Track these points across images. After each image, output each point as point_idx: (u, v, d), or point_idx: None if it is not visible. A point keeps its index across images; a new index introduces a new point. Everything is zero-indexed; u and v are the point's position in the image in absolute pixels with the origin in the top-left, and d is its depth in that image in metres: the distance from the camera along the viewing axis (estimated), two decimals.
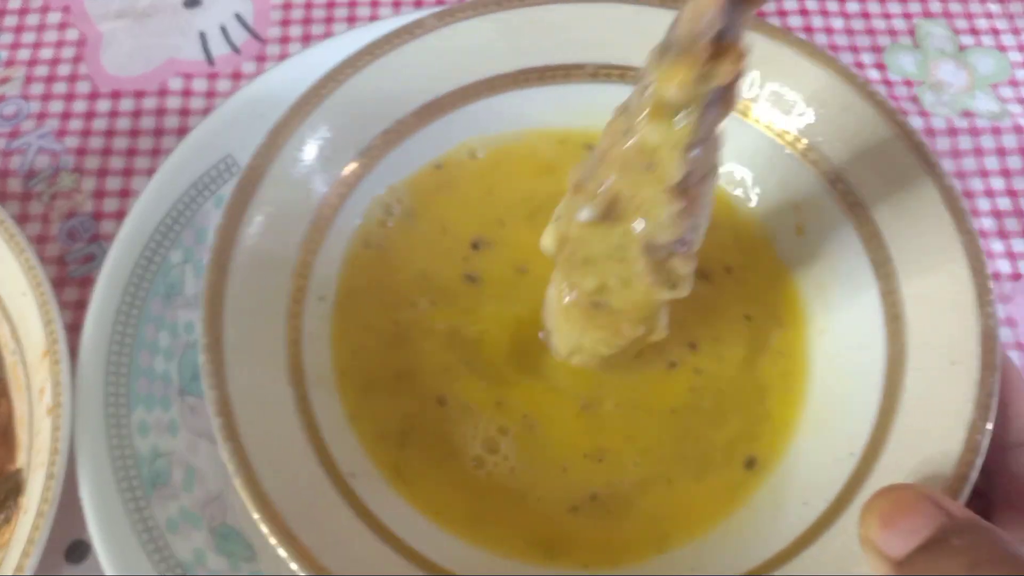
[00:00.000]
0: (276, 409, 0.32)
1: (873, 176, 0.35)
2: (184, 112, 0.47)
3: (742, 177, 0.39)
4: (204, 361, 0.31)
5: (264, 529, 0.28)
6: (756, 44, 0.35)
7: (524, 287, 0.36)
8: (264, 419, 0.31)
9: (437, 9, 0.38)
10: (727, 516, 0.33)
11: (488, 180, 0.39)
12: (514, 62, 0.38)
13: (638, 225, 0.26)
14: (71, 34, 0.50)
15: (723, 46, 0.22)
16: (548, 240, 0.29)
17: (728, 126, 0.33)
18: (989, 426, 0.30)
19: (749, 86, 0.37)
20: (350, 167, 0.37)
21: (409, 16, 0.46)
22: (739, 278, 0.37)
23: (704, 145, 0.25)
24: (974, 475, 0.29)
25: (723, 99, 0.24)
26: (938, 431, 0.30)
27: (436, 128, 0.38)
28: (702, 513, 0.33)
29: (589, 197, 0.27)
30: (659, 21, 0.25)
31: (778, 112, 0.37)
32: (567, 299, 0.30)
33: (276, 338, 0.33)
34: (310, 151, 0.36)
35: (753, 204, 0.38)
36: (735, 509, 0.33)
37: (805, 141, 0.37)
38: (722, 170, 0.36)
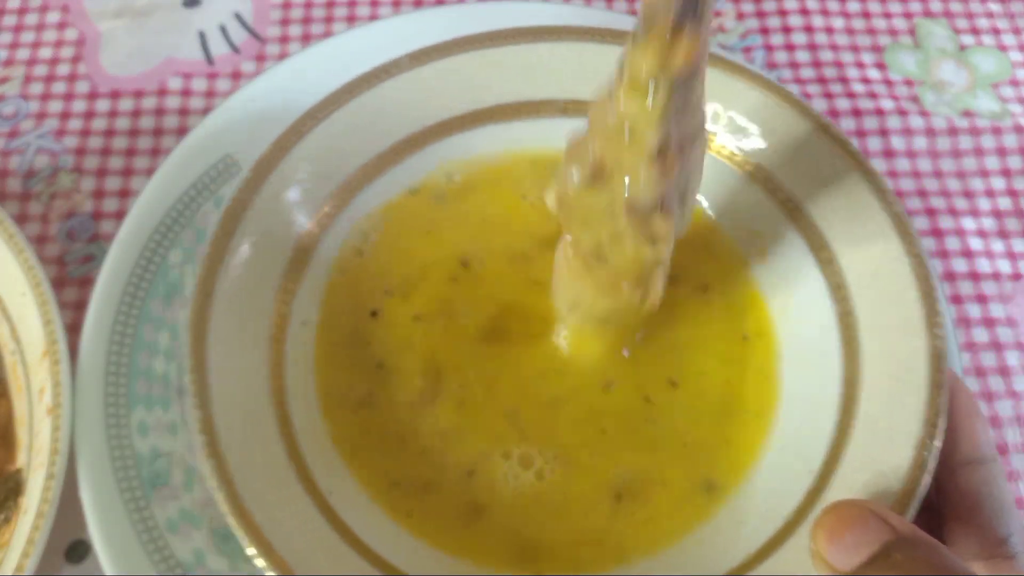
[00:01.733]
0: (258, 428, 0.33)
1: (829, 205, 0.36)
2: (183, 112, 0.47)
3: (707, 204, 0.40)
4: (189, 381, 0.32)
5: (243, 540, 0.30)
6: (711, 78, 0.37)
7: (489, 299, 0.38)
8: (246, 438, 0.33)
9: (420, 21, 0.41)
10: (690, 531, 0.34)
11: (464, 204, 0.40)
12: (488, 98, 0.40)
13: (621, 186, 0.29)
14: (70, 33, 0.50)
15: (681, 32, 0.25)
16: (550, 200, 0.32)
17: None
18: (937, 444, 0.31)
19: (712, 120, 0.38)
20: (329, 200, 0.38)
21: (408, 15, 0.46)
22: (712, 300, 0.38)
23: (679, 115, 0.27)
24: (922, 491, 0.30)
25: (694, 75, 0.26)
26: (889, 448, 0.31)
27: (413, 160, 0.40)
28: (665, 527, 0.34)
29: (580, 162, 0.29)
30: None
31: (735, 141, 0.38)
32: (571, 252, 0.32)
33: (259, 361, 0.35)
34: (292, 185, 0.37)
35: (728, 231, 0.40)
36: (698, 524, 0.34)
37: (766, 170, 0.38)
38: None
